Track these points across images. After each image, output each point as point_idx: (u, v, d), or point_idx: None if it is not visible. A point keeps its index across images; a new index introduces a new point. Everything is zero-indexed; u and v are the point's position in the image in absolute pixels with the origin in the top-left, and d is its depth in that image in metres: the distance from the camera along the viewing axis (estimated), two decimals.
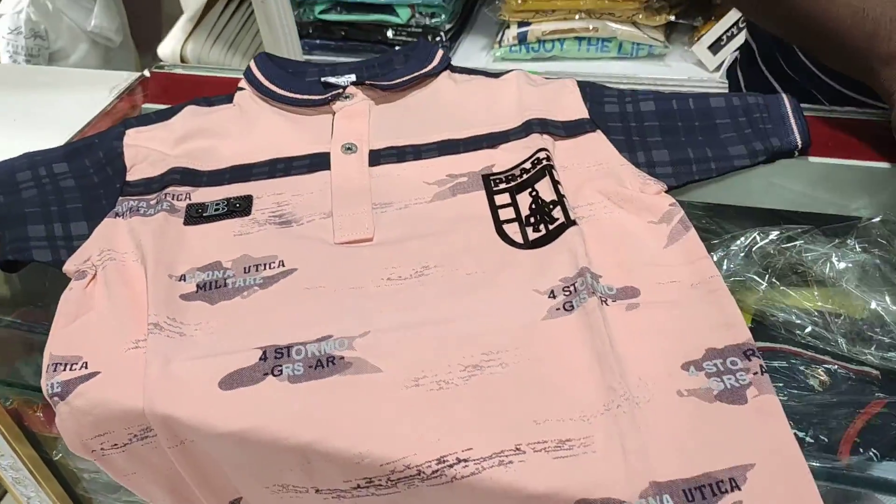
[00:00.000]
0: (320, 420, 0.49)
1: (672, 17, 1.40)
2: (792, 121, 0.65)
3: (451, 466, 0.46)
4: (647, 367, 0.49)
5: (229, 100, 0.77)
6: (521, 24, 1.48)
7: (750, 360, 0.49)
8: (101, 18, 1.73)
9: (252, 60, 0.79)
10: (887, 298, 0.60)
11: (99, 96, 0.85)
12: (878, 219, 0.62)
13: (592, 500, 0.43)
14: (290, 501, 0.52)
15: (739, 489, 0.43)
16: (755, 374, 0.48)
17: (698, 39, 1.40)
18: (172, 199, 0.67)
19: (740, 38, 1.34)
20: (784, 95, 0.67)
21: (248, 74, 0.78)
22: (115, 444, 0.54)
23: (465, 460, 0.46)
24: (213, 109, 0.76)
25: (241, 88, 0.77)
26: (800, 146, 0.64)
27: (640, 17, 1.39)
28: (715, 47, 1.37)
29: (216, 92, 0.78)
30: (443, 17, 1.50)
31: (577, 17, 1.43)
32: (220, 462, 0.52)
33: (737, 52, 0.97)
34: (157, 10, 2.08)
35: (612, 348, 0.50)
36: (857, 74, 0.65)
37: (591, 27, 1.43)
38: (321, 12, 1.56)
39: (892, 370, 0.58)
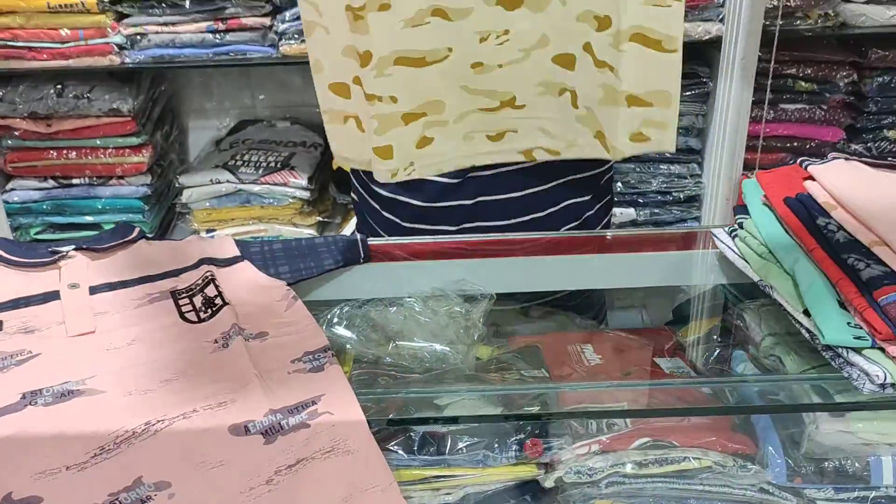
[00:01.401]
0: (66, 418, 0.76)
1: (320, 218, 1.86)
2: (360, 246, 1.06)
3: (153, 425, 0.75)
4: (271, 364, 0.83)
5: None
6: (208, 231, 1.86)
7: (326, 353, 0.85)
8: None
9: None
10: (430, 337, 0.99)
11: None
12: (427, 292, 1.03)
13: (240, 423, 0.75)
14: (48, 484, 0.76)
15: (316, 404, 0.77)
16: (329, 357, 0.84)
17: (342, 230, 1.86)
18: None
19: None
20: (358, 234, 1.09)
21: None
22: None
23: (162, 420, 0.75)
24: None
25: None
26: (363, 257, 1.05)
27: (297, 218, 1.83)
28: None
29: None
30: (145, 230, 1.82)
31: (250, 222, 1.84)
32: None
33: None
34: None
35: (250, 356, 0.83)
36: None
37: (262, 228, 1.84)
38: (36, 233, 1.82)
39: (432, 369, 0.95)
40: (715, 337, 1.12)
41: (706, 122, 1.84)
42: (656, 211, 1.90)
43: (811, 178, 0.96)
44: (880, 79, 1.84)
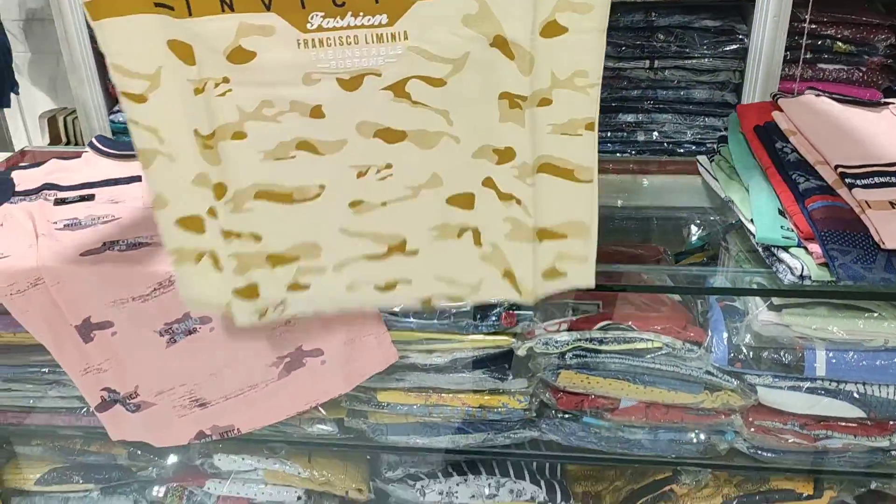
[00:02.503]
0: (135, 260, 0.94)
1: None
2: None
3: None
4: None
5: (79, 155, 1.23)
6: None
7: None
8: None
9: (93, 138, 1.27)
10: None
11: None
12: None
13: None
14: (118, 312, 0.95)
15: None
16: None
17: None
18: (45, 196, 1.11)
19: None
20: None
21: (91, 144, 1.25)
22: (19, 290, 0.95)
23: None
24: (69, 161, 1.22)
25: (85, 151, 1.24)
26: None
27: None
28: None
29: None
30: None
31: None
32: (78, 293, 0.95)
33: None
34: None
35: None
36: None
37: None
38: None
39: None
40: (699, 254, 1.22)
41: (742, 78, 1.89)
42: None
43: (780, 109, 1.05)
44: None
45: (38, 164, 1.20)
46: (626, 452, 1.09)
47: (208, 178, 0.77)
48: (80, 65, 1.95)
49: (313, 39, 0.69)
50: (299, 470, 1.22)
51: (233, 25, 0.69)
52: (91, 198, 1.11)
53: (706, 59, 1.89)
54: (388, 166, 0.76)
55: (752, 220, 0.95)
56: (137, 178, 1.15)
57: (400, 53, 0.70)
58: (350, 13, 0.68)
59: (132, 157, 1.20)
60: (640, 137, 1.99)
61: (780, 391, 1.00)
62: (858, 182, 0.89)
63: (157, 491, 1.26)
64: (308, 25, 0.69)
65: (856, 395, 0.99)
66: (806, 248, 0.87)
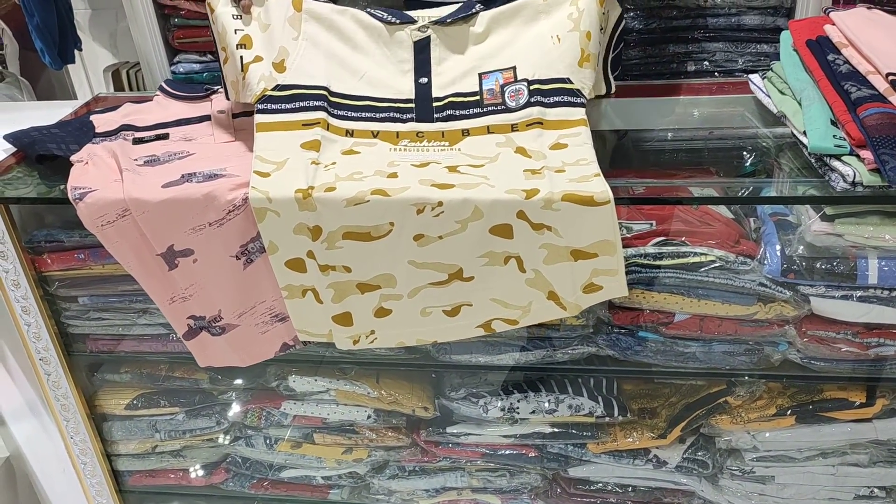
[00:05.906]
0: (211, 189, 1.00)
1: None
2: None
3: None
4: None
5: (150, 99, 1.29)
6: None
7: None
8: None
9: (163, 82, 1.33)
10: None
11: (68, 108, 1.35)
12: None
13: None
14: (197, 238, 1.02)
15: None
16: None
17: None
18: (123, 137, 1.17)
19: None
20: None
21: (161, 88, 1.31)
22: (109, 221, 1.02)
23: None
24: (142, 104, 1.28)
25: (157, 94, 1.30)
26: None
27: None
28: None
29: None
30: None
31: None
32: (162, 221, 1.02)
33: None
34: None
35: None
36: None
37: None
38: None
39: None
40: (748, 171, 1.23)
41: (794, 2, 1.86)
42: None
43: (833, 23, 1.06)
44: None
45: (113, 108, 1.27)
46: (681, 366, 1.13)
47: (306, 226, 0.99)
48: (142, 19, 2.00)
49: (400, 148, 1.06)
50: (368, 390, 1.29)
51: (350, 141, 1.05)
52: (166, 136, 1.18)
53: None
54: (440, 203, 0.96)
55: (804, 133, 0.96)
56: (207, 118, 1.21)
57: (455, 154, 1.04)
58: (426, 140, 1.06)
59: (201, 98, 1.27)
60: (691, 68, 1.97)
61: (832, 300, 1.03)
62: None
63: (238, 412, 1.35)
64: (398, 144, 1.06)
65: None
66: (858, 156, 0.89)
